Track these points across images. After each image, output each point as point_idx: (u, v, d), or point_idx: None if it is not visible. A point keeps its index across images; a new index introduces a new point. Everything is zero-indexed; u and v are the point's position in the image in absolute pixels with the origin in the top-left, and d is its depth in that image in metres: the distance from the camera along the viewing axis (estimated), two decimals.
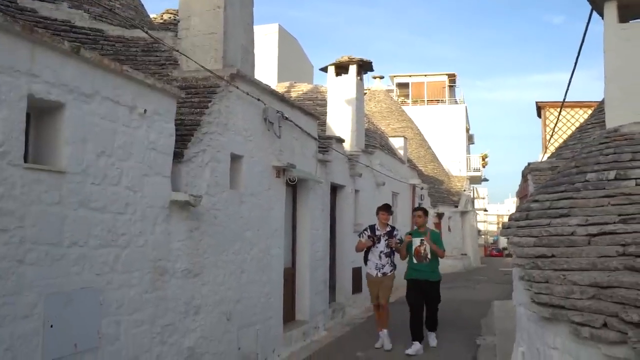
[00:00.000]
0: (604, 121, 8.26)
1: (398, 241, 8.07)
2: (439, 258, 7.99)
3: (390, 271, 8.05)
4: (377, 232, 8.07)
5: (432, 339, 8.13)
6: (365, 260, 8.22)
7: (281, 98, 7.73)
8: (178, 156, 5.43)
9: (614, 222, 3.78)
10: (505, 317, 10.63)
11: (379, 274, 7.99)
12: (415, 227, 8.23)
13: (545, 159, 15.82)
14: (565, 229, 3.98)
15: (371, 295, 8.20)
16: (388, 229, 8.15)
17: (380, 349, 7.93)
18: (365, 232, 8.21)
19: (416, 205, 18.94)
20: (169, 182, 5.20)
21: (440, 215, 23.55)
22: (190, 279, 5.49)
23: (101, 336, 4.32)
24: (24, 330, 3.63)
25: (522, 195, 9.29)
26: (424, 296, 7.86)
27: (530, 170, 7.98)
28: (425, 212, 8.25)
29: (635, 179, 4.04)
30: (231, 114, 6.36)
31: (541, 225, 4.21)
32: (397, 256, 8.32)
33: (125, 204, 4.62)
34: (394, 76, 40.12)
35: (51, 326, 3.82)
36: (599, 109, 8.69)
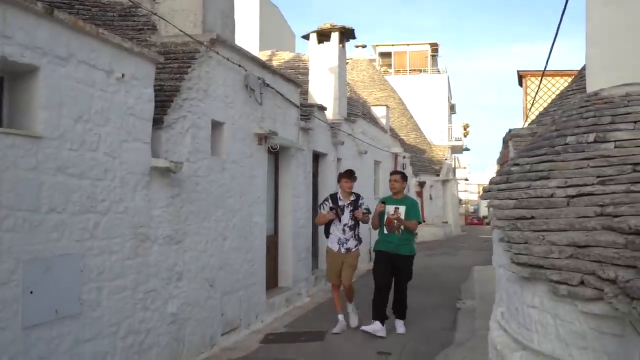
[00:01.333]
0: (584, 87, 8.32)
1: (365, 211, 7.06)
2: (410, 228, 6.93)
3: (355, 246, 7.10)
4: (340, 202, 7.05)
5: (399, 325, 6.99)
6: (327, 233, 7.19)
7: (262, 64, 7.63)
8: (158, 122, 5.35)
9: (593, 184, 3.82)
10: (485, 282, 10.83)
11: (342, 250, 7.03)
12: (391, 194, 7.14)
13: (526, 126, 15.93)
14: (545, 191, 4.02)
15: (329, 272, 7.22)
16: (352, 197, 7.08)
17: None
18: (326, 202, 7.15)
19: None
20: (149, 149, 5.14)
21: (422, 184, 23.71)
22: (172, 246, 5.47)
23: (82, 302, 4.30)
24: (2, 296, 3.59)
25: (502, 161, 9.36)
26: (393, 272, 6.85)
27: (511, 137, 8.03)
28: (404, 177, 7.16)
29: (614, 141, 4.06)
30: (211, 80, 6.26)
31: (521, 188, 4.24)
32: (363, 227, 7.45)
33: (104, 170, 4.56)
34: (377, 45, 39.85)
35: (31, 292, 3.79)
36: (580, 75, 8.74)
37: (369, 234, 11.45)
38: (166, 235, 5.37)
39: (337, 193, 7.17)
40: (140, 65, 5.00)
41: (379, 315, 6.73)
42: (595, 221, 3.49)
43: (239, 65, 6.84)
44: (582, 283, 3.12)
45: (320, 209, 7.19)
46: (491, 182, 4.87)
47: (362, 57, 28.26)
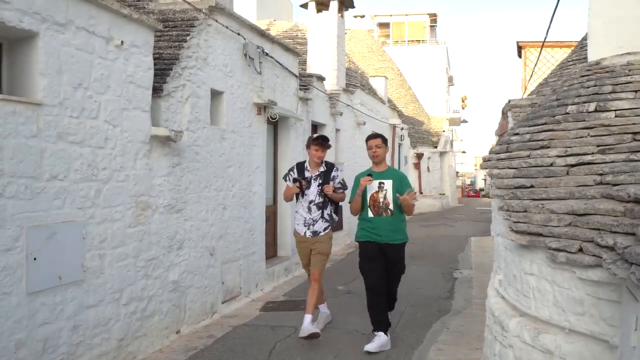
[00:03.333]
0: (585, 58, 8.27)
1: (339, 186, 5.60)
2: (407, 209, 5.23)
3: (325, 229, 5.57)
4: (307, 174, 5.56)
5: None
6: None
7: (261, 33, 7.56)
8: (157, 91, 5.33)
9: (593, 153, 3.83)
10: (481, 252, 10.97)
11: (308, 233, 5.55)
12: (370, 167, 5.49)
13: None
14: (545, 160, 4.03)
15: (300, 258, 5.89)
16: (322, 169, 5.58)
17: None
18: (290, 173, 5.68)
19: (396, 145, 19.06)
20: (149, 117, 5.13)
21: (419, 156, 23.74)
22: (173, 215, 5.50)
23: (85, 269, 4.34)
24: (7, 262, 3.63)
25: (501, 132, 9.35)
26: (384, 265, 5.28)
27: (510, 107, 8.01)
28: (385, 142, 5.47)
29: (615, 110, 4.07)
30: (210, 49, 6.22)
31: (521, 157, 4.26)
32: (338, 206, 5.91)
33: (104, 138, 4.56)
34: (375, 16, 39.44)
35: (34, 259, 3.83)
36: (580, 45, 8.67)
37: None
38: (167, 204, 5.40)
39: (304, 162, 5.67)
40: (139, 32, 4.96)
41: (381, 323, 5.22)
42: (595, 190, 3.52)
43: (238, 34, 6.78)
44: (580, 250, 3.15)
45: (285, 180, 5.74)
46: (491, 151, 4.89)
47: (361, 27, 27.99)
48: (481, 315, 6.22)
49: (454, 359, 4.91)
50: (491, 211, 17.58)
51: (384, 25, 38.97)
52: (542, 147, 4.22)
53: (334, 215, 5.70)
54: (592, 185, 3.61)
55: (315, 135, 5.74)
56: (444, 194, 26.13)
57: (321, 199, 5.52)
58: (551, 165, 3.98)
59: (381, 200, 5.22)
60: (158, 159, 5.27)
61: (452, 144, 32.81)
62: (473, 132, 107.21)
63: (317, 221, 5.56)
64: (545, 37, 9.19)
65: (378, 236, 5.23)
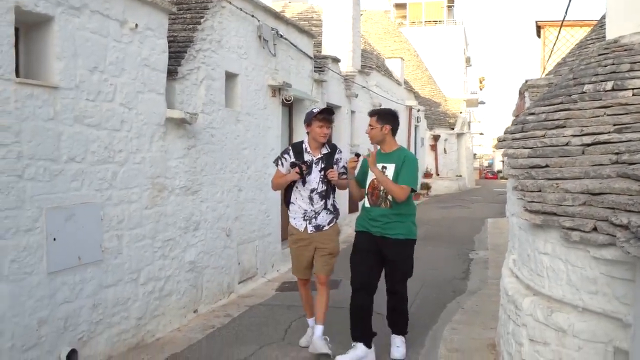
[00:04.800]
0: (604, 36, 8.14)
1: (342, 171, 4.63)
2: (408, 200, 4.44)
3: (330, 222, 4.65)
4: (307, 157, 4.57)
5: (396, 345, 4.55)
6: (287, 202, 4.72)
7: (276, 15, 7.54)
8: (172, 73, 5.36)
9: (609, 132, 3.79)
10: (498, 234, 10.93)
11: (311, 228, 4.57)
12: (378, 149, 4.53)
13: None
14: (560, 139, 4.00)
15: (295, 263, 4.74)
16: (325, 150, 4.62)
17: (306, 348, 4.70)
18: (285, 156, 4.65)
19: (412, 127, 18.94)
20: (164, 100, 5.16)
21: (436, 138, 23.60)
22: (189, 196, 5.56)
23: (104, 250, 4.42)
24: (27, 242, 3.71)
25: (518, 113, 9.26)
26: (379, 264, 4.47)
27: (527, 87, 7.92)
28: (384, 119, 4.48)
29: (633, 89, 4.01)
30: (225, 31, 6.22)
31: (536, 137, 4.23)
32: (341, 194, 5.10)
33: (120, 120, 4.61)
34: None
35: (54, 239, 3.91)
36: (600, 24, 8.53)
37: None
38: (183, 186, 5.46)
39: (302, 142, 4.69)
40: (153, 15, 4.98)
41: (362, 332, 4.39)
42: (610, 169, 3.49)
43: (252, 16, 6.77)
44: (594, 229, 3.14)
45: (276, 165, 4.71)
46: (506, 131, 4.85)
47: (377, 9, 27.73)
48: (496, 295, 6.22)
49: (468, 338, 4.93)
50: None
51: (401, 6, 38.56)
52: (557, 127, 4.18)
53: (337, 206, 4.80)
54: (607, 165, 3.58)
55: (318, 110, 4.59)
56: (460, 176, 25.98)
57: (324, 187, 4.58)
58: (566, 144, 3.95)
59: (381, 188, 4.38)
60: (173, 141, 5.32)
61: (469, 126, 32.54)
62: (491, 113, 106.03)
63: (319, 213, 4.58)
64: (565, 16, 9.04)
65: (373, 227, 4.42)
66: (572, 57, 8.37)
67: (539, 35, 20.17)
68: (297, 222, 4.63)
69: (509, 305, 3.96)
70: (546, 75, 8.90)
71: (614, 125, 3.85)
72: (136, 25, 4.71)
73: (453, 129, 25.45)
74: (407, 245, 4.48)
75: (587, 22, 18.07)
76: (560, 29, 13.71)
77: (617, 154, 3.61)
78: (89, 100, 4.25)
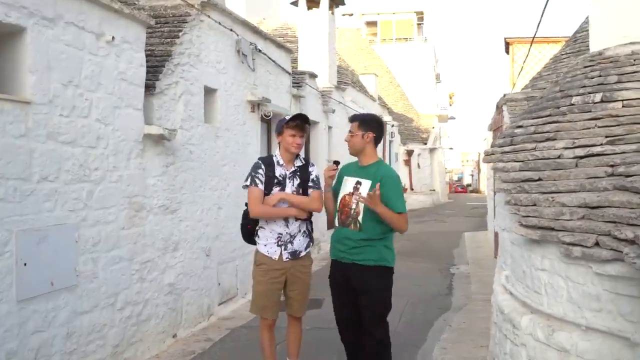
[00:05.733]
0: (579, 51, 8.24)
1: (311, 184, 4.02)
2: (394, 227, 3.76)
3: (307, 247, 4.03)
4: (279, 171, 3.94)
5: None
6: (248, 228, 4.10)
7: (254, 29, 7.41)
8: (150, 88, 5.17)
9: (602, 144, 3.74)
10: (476, 247, 10.92)
11: (286, 255, 3.91)
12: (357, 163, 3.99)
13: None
14: (552, 152, 3.94)
15: (260, 298, 3.96)
16: (299, 163, 4.04)
17: None
18: (259, 171, 3.91)
19: (387, 142, 18.96)
20: (142, 115, 4.97)
21: (409, 153, 23.70)
22: (167, 215, 5.35)
23: (78, 274, 4.17)
24: None
25: (495, 127, 9.29)
26: (353, 298, 3.79)
27: (505, 101, 7.93)
28: (365, 124, 3.86)
29: (622, 100, 3.98)
30: (203, 45, 6.06)
31: (527, 150, 4.16)
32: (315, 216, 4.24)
33: (96, 137, 4.39)
34: (363, 14, 39.35)
35: (25, 264, 3.65)
36: (574, 38, 8.63)
37: None
38: (161, 205, 5.24)
39: (273, 156, 4.03)
40: (130, 28, 4.79)
41: None
42: (607, 181, 3.42)
43: (231, 30, 6.63)
44: (596, 244, 3.05)
45: (249, 184, 3.94)
46: (493, 145, 4.78)
47: (349, 26, 27.91)
48: (482, 311, 6.14)
49: (459, 357, 4.81)
50: (482, 207, 17.62)
51: (372, 24, 38.88)
52: (548, 139, 4.12)
53: (311, 229, 4.12)
54: (603, 177, 3.51)
55: (291, 116, 4.00)
56: (434, 190, 26.11)
57: None
58: (559, 157, 3.88)
59: (352, 206, 3.75)
60: (152, 158, 5.11)
61: (440, 141, 32.84)
62: (460, 128, 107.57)
63: (295, 237, 3.92)
64: (536, 32, 9.13)
65: (340, 252, 3.79)
66: (547, 71, 8.43)
67: (507, 51, 20.48)
68: (269, 249, 3.90)
69: (506, 324, 3.85)
70: (522, 89, 8.95)
71: (606, 137, 3.79)
72: (113, 37, 4.52)
73: (426, 143, 25.62)
74: (379, 275, 3.71)
75: (554, 39, 18.45)
76: (531, 45, 13.90)
77: (612, 166, 3.54)
78: (63, 115, 4.03)
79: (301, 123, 3.93)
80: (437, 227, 15.47)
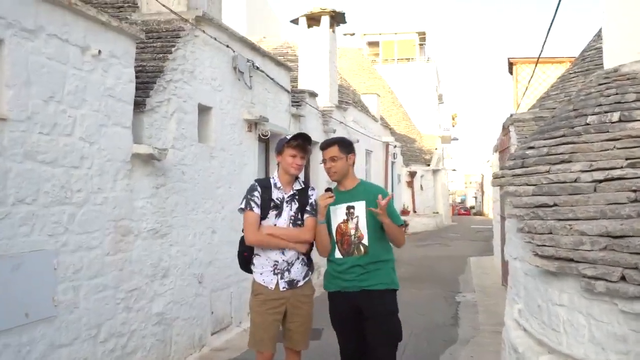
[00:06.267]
0: (587, 69, 7.99)
1: (309, 209, 3.70)
2: (392, 245, 3.68)
3: (305, 277, 3.72)
4: (277, 194, 3.66)
5: None
6: (249, 253, 3.77)
7: (252, 46, 7.19)
8: (139, 105, 4.92)
9: (622, 167, 3.46)
10: (482, 274, 10.56)
11: (283, 285, 3.61)
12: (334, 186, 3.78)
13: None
14: (568, 175, 3.65)
15: (258, 331, 3.58)
16: (298, 186, 3.75)
17: None
18: (254, 194, 3.62)
19: (389, 163, 18.68)
20: (130, 134, 4.70)
21: (412, 174, 23.40)
22: (157, 240, 5.05)
23: (57, 304, 3.86)
24: None
25: (502, 148, 9.01)
26: (360, 326, 3.55)
27: (512, 122, 7.66)
28: (344, 147, 3.69)
29: None
30: (197, 61, 5.82)
31: (540, 173, 3.87)
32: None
33: (80, 156, 4.12)
34: (364, 34, 39.38)
35: None
36: (582, 57, 8.40)
37: None
38: (150, 229, 4.95)
39: (271, 178, 3.76)
40: (118, 41, 4.55)
41: None
42: (630, 208, 3.13)
43: (227, 46, 6.40)
44: (622, 278, 2.75)
45: (245, 207, 3.63)
46: (503, 167, 4.50)
47: (350, 46, 27.83)
48: (491, 344, 5.80)
49: None
50: (487, 230, 17.21)
51: (374, 44, 38.84)
52: (562, 162, 3.84)
53: (311, 257, 3.83)
54: (625, 203, 3.22)
55: (291, 135, 3.72)
56: (437, 213, 25.75)
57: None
58: (575, 181, 3.59)
59: (352, 232, 3.55)
60: (140, 179, 4.83)
61: (443, 162, 32.55)
62: (463, 150, 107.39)
63: (293, 264, 3.63)
64: (541, 52, 8.90)
65: (346, 282, 3.55)
66: (555, 90, 8.18)
67: (510, 71, 20.33)
68: (265, 277, 3.62)
69: None
70: (529, 109, 8.69)
71: (627, 159, 3.51)
72: (99, 51, 4.28)
73: (429, 165, 25.33)
74: (391, 299, 3.57)
75: (558, 59, 18.29)
76: (536, 65, 13.69)
77: (634, 191, 3.26)
78: (42, 133, 3.76)
79: (303, 143, 3.67)
80: (441, 251, 15.10)
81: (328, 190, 3.64)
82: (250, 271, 3.80)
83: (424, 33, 39.13)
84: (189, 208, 5.60)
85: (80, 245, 4.10)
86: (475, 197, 64.22)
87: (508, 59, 20.46)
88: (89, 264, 4.18)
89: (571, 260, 3.09)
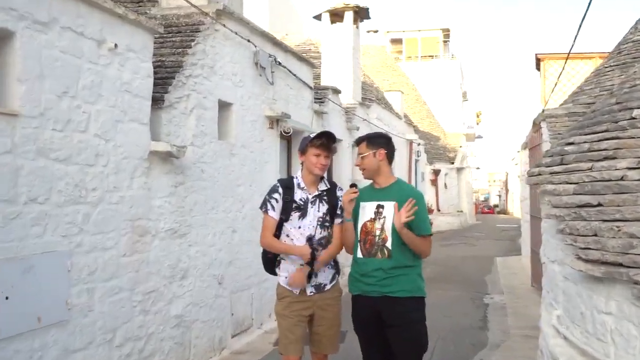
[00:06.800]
0: (624, 63, 7.64)
1: (340, 212, 3.52)
2: (417, 251, 3.34)
3: (332, 280, 3.54)
4: (301, 195, 3.49)
5: None
6: (269, 257, 3.64)
7: (274, 41, 7.00)
8: (158, 101, 4.76)
9: None
10: (510, 274, 10.26)
11: (310, 289, 3.44)
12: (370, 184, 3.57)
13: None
14: (613, 173, 3.38)
15: (288, 335, 3.43)
16: (323, 186, 3.55)
17: None
18: (274, 195, 3.50)
19: (413, 161, 18.38)
20: (148, 130, 4.54)
21: (436, 172, 23.06)
22: (175, 240, 4.89)
23: (71, 307, 3.72)
24: None
25: (532, 146, 8.69)
26: (383, 333, 3.34)
27: (544, 118, 7.36)
28: (374, 144, 3.47)
29: None
30: (218, 56, 5.65)
31: (581, 170, 3.61)
32: None
33: (95, 154, 3.97)
34: (388, 32, 39.01)
35: (6, 298, 3.22)
36: (617, 50, 8.04)
37: None
38: (168, 228, 4.79)
39: (294, 178, 3.60)
40: (136, 35, 4.39)
41: None
42: None
43: (248, 41, 6.22)
44: None
45: (265, 208, 3.52)
46: (539, 164, 4.23)
47: (373, 43, 27.53)
48: (522, 349, 5.54)
49: None
50: (513, 229, 16.87)
51: (397, 41, 38.48)
52: (606, 158, 3.56)
53: (337, 259, 3.67)
54: None
55: (315, 134, 3.54)
56: (461, 211, 25.35)
57: (325, 233, 3.47)
58: (622, 179, 3.32)
59: (377, 232, 3.32)
60: (158, 177, 4.68)
61: (467, 160, 32.09)
62: (486, 148, 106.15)
63: (321, 267, 3.46)
64: (572, 47, 8.54)
65: (368, 285, 3.33)
66: (590, 85, 7.84)
67: (538, 68, 19.86)
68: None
69: None
70: (561, 105, 8.35)
71: None
72: (115, 45, 4.12)
73: (453, 163, 24.94)
74: (415, 307, 3.31)
75: (588, 55, 17.81)
76: (566, 60, 13.27)
77: None
78: (56, 130, 3.62)
79: (327, 142, 3.49)
80: (467, 250, 14.78)
81: (353, 186, 3.45)
82: (273, 273, 3.65)
83: (448, 30, 38.64)
84: (209, 207, 5.43)
85: (95, 246, 3.95)
86: (499, 196, 63.38)
87: (535, 54, 19.97)
88: (104, 266, 4.03)
89: (620, 265, 2.83)
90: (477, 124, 46.75)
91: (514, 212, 39.89)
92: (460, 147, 26.46)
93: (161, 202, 4.70)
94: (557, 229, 3.44)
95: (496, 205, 59.49)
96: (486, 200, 66.51)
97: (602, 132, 3.81)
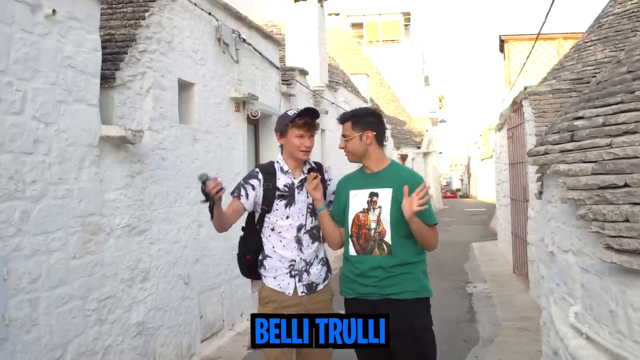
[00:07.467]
0: (606, 37, 7.32)
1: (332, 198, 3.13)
2: (426, 244, 2.86)
3: (325, 279, 3.08)
4: (286, 179, 3.02)
5: None
6: (249, 253, 3.12)
7: (237, 15, 6.40)
8: (108, 79, 4.14)
9: None
10: (489, 261, 9.98)
11: (300, 289, 2.96)
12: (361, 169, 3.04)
13: (509, 95, 15.03)
14: (638, 148, 2.97)
15: (271, 350, 2.86)
16: (307, 168, 3.09)
17: None
18: (252, 181, 3.03)
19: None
20: (97, 113, 3.93)
21: (403, 157, 22.77)
22: (134, 238, 4.30)
23: (8, 323, 3.11)
24: None
25: (513, 125, 8.33)
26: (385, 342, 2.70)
27: (527, 95, 6.97)
28: (359, 123, 2.89)
29: None
30: (176, 29, 5.04)
31: (599, 147, 3.19)
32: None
33: (33, 140, 3.34)
34: (348, 16, 38.49)
35: None
36: (597, 24, 7.73)
37: None
38: (125, 225, 4.19)
39: (274, 162, 3.11)
40: (79, 2, 3.76)
41: None
42: None
43: (209, 14, 5.61)
44: None
45: (238, 193, 3.09)
46: (545, 142, 3.80)
47: (335, 26, 26.99)
48: (517, 343, 5.18)
49: None
50: (482, 213, 16.55)
51: (357, 25, 38.00)
52: (626, 132, 3.14)
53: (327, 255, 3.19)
54: None
55: (293, 111, 3.01)
56: (431, 196, 25.17)
57: (317, 222, 3.01)
58: None
59: (372, 225, 2.82)
60: (112, 166, 4.07)
61: (433, 144, 31.97)
62: (447, 132, 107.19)
63: (311, 264, 3.01)
64: (542, 27, 8.19)
65: (365, 287, 2.82)
66: (570, 61, 7.51)
67: (502, 50, 19.69)
68: (280, 281, 2.96)
69: None
70: (540, 82, 7.99)
71: None
72: (54, 11, 3.48)
73: (420, 147, 24.72)
74: (422, 310, 2.81)
75: (550, 36, 17.71)
76: (536, 40, 13.02)
77: None
78: None
79: (311, 120, 2.99)
80: (440, 236, 14.28)
81: (311, 170, 3.03)
82: (256, 276, 3.12)
83: (408, 13, 38.36)
84: (171, 199, 4.85)
85: (38, 248, 3.34)
86: (462, 180, 63.90)
87: (499, 36, 19.80)
88: (49, 271, 3.43)
89: None
90: (440, 108, 46.83)
91: (478, 196, 40.12)
92: (427, 131, 26.24)
93: (116, 195, 4.10)
94: (578, 214, 3.00)
95: (458, 190, 60.02)
96: (448, 184, 67.05)
97: (617, 103, 3.39)
